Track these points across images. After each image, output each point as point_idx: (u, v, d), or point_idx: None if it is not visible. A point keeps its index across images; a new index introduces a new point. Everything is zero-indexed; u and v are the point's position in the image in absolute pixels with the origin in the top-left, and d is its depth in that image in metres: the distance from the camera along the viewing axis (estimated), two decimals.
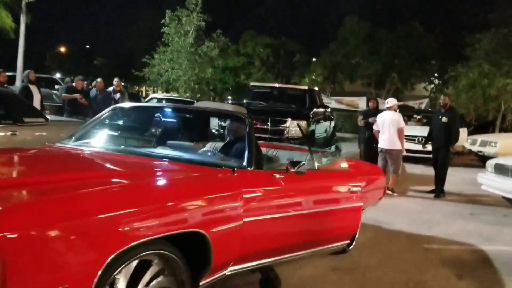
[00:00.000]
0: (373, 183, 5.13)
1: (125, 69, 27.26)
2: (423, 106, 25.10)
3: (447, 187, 8.36)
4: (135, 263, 2.13)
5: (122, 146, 3.56)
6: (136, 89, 36.41)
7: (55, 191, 2.07)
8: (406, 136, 12.60)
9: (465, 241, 5.52)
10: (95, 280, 1.88)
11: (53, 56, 39.60)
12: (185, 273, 2.39)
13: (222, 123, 8.20)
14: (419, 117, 15.21)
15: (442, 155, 8.25)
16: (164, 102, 12.66)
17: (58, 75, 24.14)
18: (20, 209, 1.84)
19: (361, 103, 26.61)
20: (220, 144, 3.88)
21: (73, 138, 3.61)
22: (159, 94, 17.09)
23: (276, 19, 38.95)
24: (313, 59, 33.21)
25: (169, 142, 3.77)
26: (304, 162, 3.12)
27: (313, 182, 3.61)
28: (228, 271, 2.75)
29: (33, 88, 8.70)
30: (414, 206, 7.24)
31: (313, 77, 30.09)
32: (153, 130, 4.51)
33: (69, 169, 2.82)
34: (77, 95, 9.46)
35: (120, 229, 2.00)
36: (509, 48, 18.11)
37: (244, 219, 2.70)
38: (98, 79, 10.67)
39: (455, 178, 10.53)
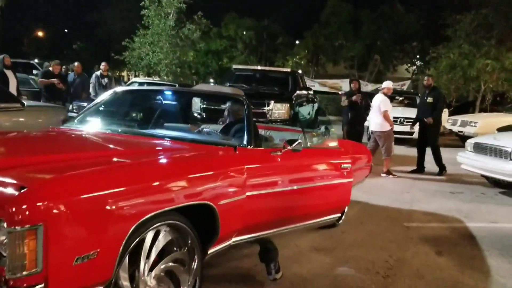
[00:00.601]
0: (359, 161, 5.24)
1: (105, 53, 26.81)
2: (405, 88, 25.29)
3: (428, 167, 8.47)
4: (152, 232, 2.33)
5: (129, 128, 3.77)
6: (117, 74, 35.85)
7: (86, 166, 2.26)
8: None
9: (444, 218, 5.62)
10: (121, 246, 2.11)
11: (30, 41, 38.66)
12: (195, 242, 2.60)
13: (204, 105, 8.21)
14: (401, 98, 15.32)
15: (430, 134, 8.41)
16: (145, 85, 12.49)
17: (36, 61, 23.64)
18: (58, 181, 2.02)
19: (344, 85, 26.65)
20: (214, 125, 4.06)
21: (75, 121, 3.77)
22: (141, 78, 16.80)
23: (258, 2, 38.55)
24: (296, 42, 33.06)
25: (167, 124, 3.94)
26: (300, 141, 3.35)
27: (308, 159, 3.83)
28: (232, 241, 3.00)
29: (9, 73, 8.50)
30: (396, 186, 7.33)
31: (296, 60, 29.99)
32: (154, 112, 4.58)
33: (89, 148, 3.08)
34: (54, 80, 9.31)
35: (142, 200, 2.22)
36: (488, 29, 18.27)
37: (247, 193, 2.94)
38: (76, 63, 10.61)
39: None
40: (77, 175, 2.12)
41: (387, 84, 8.36)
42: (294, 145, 3.27)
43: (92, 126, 3.63)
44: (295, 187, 3.55)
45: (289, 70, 12.82)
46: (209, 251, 2.77)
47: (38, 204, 1.80)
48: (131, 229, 2.14)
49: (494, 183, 7.50)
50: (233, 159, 3.01)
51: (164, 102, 4.44)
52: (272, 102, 8.90)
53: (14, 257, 1.77)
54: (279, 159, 3.34)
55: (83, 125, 3.65)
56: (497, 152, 6.81)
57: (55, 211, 1.84)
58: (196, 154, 2.96)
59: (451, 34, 19.19)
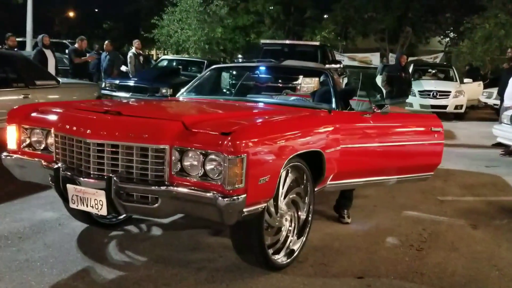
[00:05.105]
0: None
1: (134, 31, 26.99)
2: (438, 61, 24.59)
3: (462, 140, 8.28)
4: (288, 169, 3.09)
5: (244, 96, 4.70)
6: (147, 52, 36.11)
7: (254, 119, 3.24)
8: (420, 91, 12.51)
9: (480, 192, 5.53)
10: (279, 175, 2.89)
11: (62, 21, 39.21)
12: (309, 180, 3.36)
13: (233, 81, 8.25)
14: (434, 71, 14.92)
15: None
16: (174, 63, 12.60)
17: (68, 40, 24.01)
18: (251, 127, 2.88)
19: (374, 59, 26.13)
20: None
21: (184, 93, 4.54)
22: (170, 56, 16.89)
23: None
24: (325, 16, 32.40)
25: (264, 93, 5.06)
26: (387, 105, 4.03)
27: (394, 121, 4.28)
28: (327, 184, 3.69)
29: (48, 53, 8.68)
30: None
31: (324, 33, 29.45)
32: (250, 84, 5.50)
33: (238, 109, 3.83)
34: (88, 58, 9.58)
35: (291, 143, 3.04)
36: None
37: (341, 146, 3.61)
38: (106, 42, 10.84)
39: (470, 132, 10.45)
40: (260, 124, 3.10)
41: None
42: (382, 109, 3.93)
43: (210, 95, 4.64)
44: (382, 144, 4.05)
45: (318, 43, 12.67)
46: (316, 189, 3.50)
47: (243, 141, 2.57)
48: (284, 163, 2.91)
49: None
50: (330, 119, 3.68)
51: (259, 75, 5.35)
52: (301, 76, 8.82)
53: (230, 176, 2.54)
54: (371, 121, 3.93)
55: (201, 95, 4.52)
56: None
57: (251, 146, 2.62)
58: (309, 114, 3.72)
59: (486, 3, 18.44)
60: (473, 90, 13.76)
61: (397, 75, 9.20)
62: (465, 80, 14.18)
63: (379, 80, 14.37)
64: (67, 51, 10.69)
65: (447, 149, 8.07)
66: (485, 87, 14.45)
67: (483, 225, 4.35)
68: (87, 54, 10.42)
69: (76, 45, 10.00)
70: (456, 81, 13.50)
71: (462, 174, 6.40)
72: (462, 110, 12.54)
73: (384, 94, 9.28)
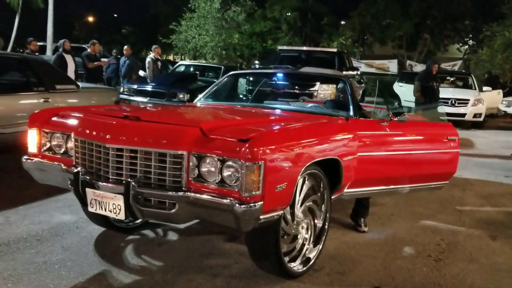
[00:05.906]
0: None
1: (152, 37, 27.27)
2: (456, 68, 24.34)
3: (481, 149, 8.17)
4: (305, 177, 3.08)
5: (261, 102, 4.67)
6: (164, 57, 36.45)
7: (272, 126, 3.22)
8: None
9: (499, 202, 5.43)
10: (296, 182, 2.89)
11: (81, 25, 39.85)
12: (326, 188, 3.35)
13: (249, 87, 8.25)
14: (452, 79, 14.75)
15: None
16: (192, 68, 12.68)
17: (88, 45, 24.35)
18: (269, 134, 2.85)
19: (392, 66, 25.96)
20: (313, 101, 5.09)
21: (202, 98, 4.58)
22: (187, 61, 17.01)
23: None
24: (342, 22, 32.34)
25: (281, 99, 4.99)
26: (405, 113, 4.01)
27: (410, 129, 4.24)
28: (344, 192, 3.64)
29: (68, 57, 8.79)
30: None
31: (341, 40, 29.37)
32: (267, 90, 5.47)
33: (256, 116, 3.83)
34: (101, 62, 9.71)
35: (309, 150, 3.02)
36: None
37: (358, 154, 3.56)
38: (125, 46, 10.93)
39: (489, 140, 10.30)
40: (277, 131, 3.05)
41: None
42: (400, 117, 3.90)
43: (228, 101, 4.66)
44: (399, 152, 4.01)
45: (335, 50, 12.62)
46: (332, 197, 3.47)
47: (260, 148, 2.56)
48: (301, 170, 2.89)
49: None
50: (347, 126, 3.65)
51: (276, 81, 5.33)
52: (317, 82, 8.80)
53: (247, 183, 2.53)
54: (387, 129, 3.89)
55: (218, 101, 4.55)
56: None
57: (269, 153, 2.61)
58: (326, 121, 3.68)
59: (506, 11, 18.21)
60: (492, 99, 13.58)
61: (430, 85, 8.95)
62: (484, 88, 14.00)
63: (396, 87, 14.30)
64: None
65: (465, 158, 8.01)
66: (505, 95, 14.24)
67: (503, 236, 4.28)
68: (101, 59, 10.54)
69: (88, 50, 10.06)
70: (475, 89, 13.34)
71: (480, 183, 6.31)
72: (481, 119, 12.37)
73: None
